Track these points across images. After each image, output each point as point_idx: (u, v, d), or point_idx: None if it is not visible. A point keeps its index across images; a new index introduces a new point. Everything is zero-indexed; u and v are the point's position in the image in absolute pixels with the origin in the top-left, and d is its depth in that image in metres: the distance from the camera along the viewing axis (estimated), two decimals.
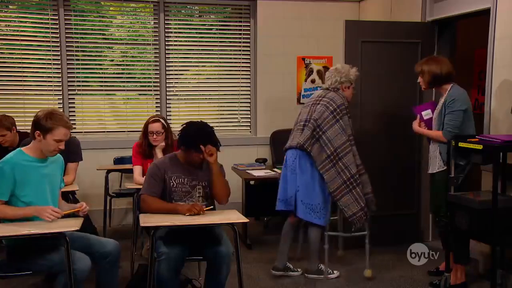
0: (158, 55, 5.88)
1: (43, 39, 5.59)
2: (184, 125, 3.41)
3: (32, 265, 2.97)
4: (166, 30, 5.87)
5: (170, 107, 5.97)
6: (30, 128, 3.09)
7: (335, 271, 4.16)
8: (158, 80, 5.92)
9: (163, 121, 4.35)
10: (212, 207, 3.39)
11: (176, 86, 6.01)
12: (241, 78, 6.15)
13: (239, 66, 6.14)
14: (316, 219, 3.96)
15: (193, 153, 3.30)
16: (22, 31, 5.58)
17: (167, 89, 5.94)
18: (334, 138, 3.89)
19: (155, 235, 3.10)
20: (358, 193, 3.93)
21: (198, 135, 3.29)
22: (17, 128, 4.55)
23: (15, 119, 4.58)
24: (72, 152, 4.17)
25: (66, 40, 5.60)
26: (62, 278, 2.88)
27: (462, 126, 3.77)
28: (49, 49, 5.58)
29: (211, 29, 6.17)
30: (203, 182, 3.39)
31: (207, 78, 6.14)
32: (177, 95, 6.03)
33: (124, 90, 5.93)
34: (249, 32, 6.07)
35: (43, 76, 5.63)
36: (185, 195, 3.34)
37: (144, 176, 3.49)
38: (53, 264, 2.93)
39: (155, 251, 3.12)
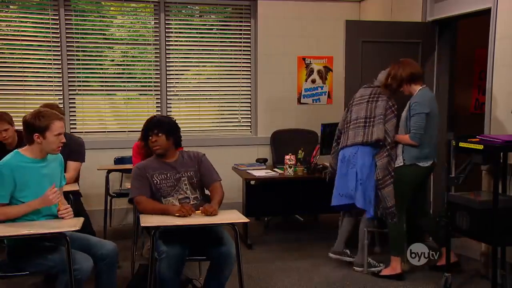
0: (158, 55, 5.88)
1: (44, 39, 5.59)
2: None
3: (33, 265, 2.97)
4: (166, 30, 5.87)
5: (170, 107, 5.98)
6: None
7: (381, 264, 4.22)
8: (159, 80, 5.92)
9: None
10: (202, 200, 3.44)
11: (176, 86, 6.01)
12: (242, 78, 6.15)
13: (240, 66, 6.14)
14: (372, 211, 4.11)
15: (147, 143, 3.46)
16: (22, 31, 5.58)
17: (168, 89, 5.95)
18: (391, 131, 4.06)
19: (155, 235, 3.10)
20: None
21: (143, 129, 3.51)
22: (16, 128, 4.55)
23: (15, 119, 4.57)
24: (73, 150, 4.16)
25: (67, 40, 5.60)
26: (64, 278, 2.88)
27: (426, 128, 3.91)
28: (50, 49, 5.59)
29: (212, 29, 6.17)
30: (188, 172, 3.43)
31: (207, 78, 6.14)
32: (177, 95, 6.03)
33: (125, 90, 5.93)
34: (249, 32, 6.08)
35: (43, 76, 5.64)
36: (172, 189, 3.37)
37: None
38: (55, 264, 2.93)
39: (155, 250, 3.12)
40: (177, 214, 3.14)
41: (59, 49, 5.59)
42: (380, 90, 4.18)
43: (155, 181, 3.36)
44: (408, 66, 4.04)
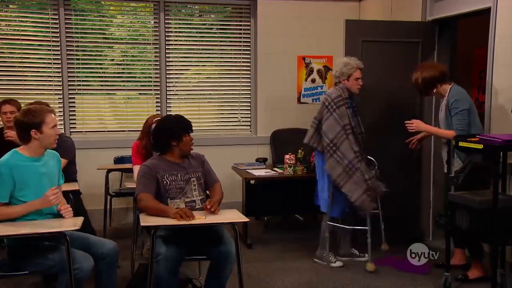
0: (158, 55, 5.88)
1: (44, 39, 5.60)
2: (156, 128, 3.48)
3: (33, 265, 2.97)
4: (166, 30, 5.87)
5: (170, 106, 5.98)
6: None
7: (338, 261, 4.32)
8: (159, 80, 5.92)
9: None
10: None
11: (176, 86, 6.01)
12: (242, 77, 6.15)
13: (240, 66, 6.14)
14: (325, 208, 4.25)
15: (186, 139, 3.38)
16: (22, 31, 5.59)
17: (168, 89, 5.95)
18: (328, 130, 4.14)
19: (155, 234, 3.10)
20: (358, 177, 4.12)
21: (181, 121, 3.44)
22: None
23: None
24: (59, 147, 4.13)
25: (67, 39, 5.61)
26: (64, 278, 2.88)
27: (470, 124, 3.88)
28: (50, 48, 5.59)
29: (212, 28, 6.17)
30: (196, 173, 3.43)
31: (207, 77, 6.14)
32: (177, 94, 6.03)
33: (125, 89, 5.93)
34: (249, 32, 6.07)
35: (43, 76, 5.64)
36: (180, 191, 3.35)
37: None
38: (55, 263, 2.93)
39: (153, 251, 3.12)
40: (173, 217, 3.07)
41: (59, 49, 5.59)
42: (328, 90, 4.38)
43: (165, 182, 3.32)
44: (437, 66, 4.07)
